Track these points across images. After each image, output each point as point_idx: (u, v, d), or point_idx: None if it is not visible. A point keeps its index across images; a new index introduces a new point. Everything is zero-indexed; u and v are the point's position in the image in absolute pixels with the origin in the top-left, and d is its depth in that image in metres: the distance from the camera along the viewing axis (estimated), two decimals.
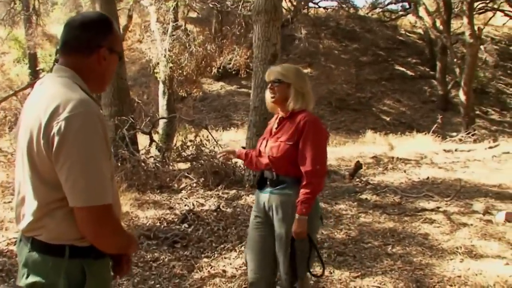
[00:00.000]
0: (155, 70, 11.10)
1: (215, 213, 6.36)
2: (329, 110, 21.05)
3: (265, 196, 3.29)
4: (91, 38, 1.94)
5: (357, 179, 8.93)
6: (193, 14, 22.46)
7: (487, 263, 4.98)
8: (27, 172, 1.84)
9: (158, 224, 5.95)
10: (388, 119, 20.70)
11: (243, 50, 13.26)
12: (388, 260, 5.07)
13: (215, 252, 5.21)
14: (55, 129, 1.72)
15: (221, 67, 13.45)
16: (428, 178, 9.21)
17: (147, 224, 5.91)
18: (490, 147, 13.31)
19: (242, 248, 5.21)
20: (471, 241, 5.68)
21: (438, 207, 7.03)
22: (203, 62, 11.68)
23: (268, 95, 3.37)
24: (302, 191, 3.08)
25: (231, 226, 5.98)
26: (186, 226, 5.86)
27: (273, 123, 3.43)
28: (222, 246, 5.35)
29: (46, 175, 1.79)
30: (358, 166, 9.23)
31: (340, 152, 12.19)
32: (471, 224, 6.26)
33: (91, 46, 1.94)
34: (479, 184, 8.67)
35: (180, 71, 11.17)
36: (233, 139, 13.94)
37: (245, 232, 5.74)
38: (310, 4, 22.95)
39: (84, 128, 1.74)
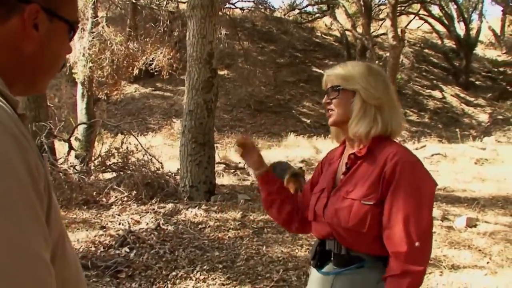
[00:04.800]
0: (73, 71, 10.06)
1: (156, 233, 5.60)
2: (248, 113, 20.60)
3: (327, 279, 1.93)
4: None
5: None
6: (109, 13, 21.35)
7: (466, 274, 4.78)
8: None
9: (94, 249, 5.07)
10: (308, 121, 20.46)
11: (167, 50, 12.43)
12: None
13: (168, 282, 4.40)
14: None
15: (144, 68, 12.55)
16: None
17: (81, 250, 4.99)
18: (417, 149, 13.47)
19: (198, 275, 4.52)
20: (442, 250, 5.46)
21: None
22: (125, 62, 10.77)
23: None
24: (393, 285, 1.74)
25: (178, 247, 5.22)
26: (127, 250, 5.01)
27: (337, 162, 2.05)
28: (174, 273, 4.57)
29: None
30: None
31: (267, 156, 11.69)
32: (434, 232, 6.04)
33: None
34: None
35: (101, 72, 10.19)
36: (153, 144, 13.19)
37: (195, 254, 5.07)
38: (227, 5, 22.39)
39: None
